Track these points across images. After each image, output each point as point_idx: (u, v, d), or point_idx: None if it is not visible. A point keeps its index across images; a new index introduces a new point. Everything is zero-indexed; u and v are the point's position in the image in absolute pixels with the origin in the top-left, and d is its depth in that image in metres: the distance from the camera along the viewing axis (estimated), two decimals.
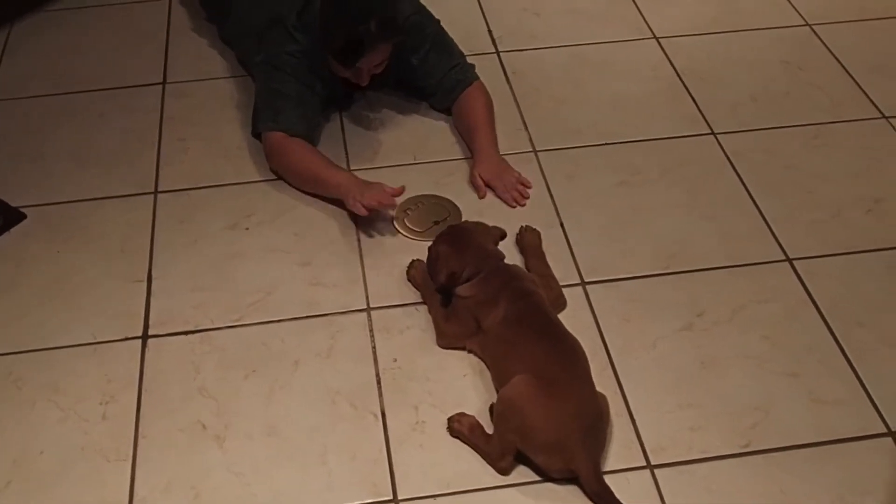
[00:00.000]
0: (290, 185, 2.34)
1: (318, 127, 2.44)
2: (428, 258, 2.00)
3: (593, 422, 1.73)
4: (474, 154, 2.38)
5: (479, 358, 1.94)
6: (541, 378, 1.72)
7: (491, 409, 1.81)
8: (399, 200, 2.27)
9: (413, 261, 2.10)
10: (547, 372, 1.74)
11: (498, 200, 2.30)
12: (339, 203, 2.28)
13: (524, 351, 1.80)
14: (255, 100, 2.42)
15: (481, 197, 2.31)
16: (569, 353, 1.80)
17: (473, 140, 2.40)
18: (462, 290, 1.93)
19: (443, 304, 1.99)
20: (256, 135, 2.43)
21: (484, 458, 1.77)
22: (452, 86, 2.49)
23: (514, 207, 2.28)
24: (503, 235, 2.08)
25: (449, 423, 1.82)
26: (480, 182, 2.32)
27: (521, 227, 2.18)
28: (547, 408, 1.69)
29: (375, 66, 2.31)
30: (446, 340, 1.97)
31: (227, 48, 2.77)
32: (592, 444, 1.71)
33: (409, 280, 2.09)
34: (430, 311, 2.01)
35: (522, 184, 2.32)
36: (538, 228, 2.18)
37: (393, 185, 2.20)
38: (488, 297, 1.89)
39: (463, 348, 1.96)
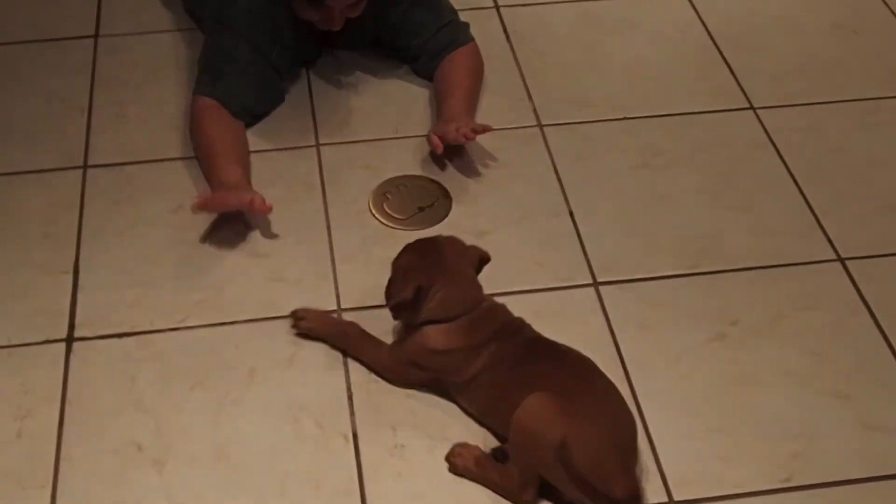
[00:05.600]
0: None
1: (267, 100, 2.43)
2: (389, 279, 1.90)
3: (629, 437, 1.75)
4: (438, 119, 2.37)
5: (462, 409, 1.88)
6: (560, 395, 1.70)
7: (494, 452, 1.79)
8: (377, 182, 2.28)
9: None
10: (565, 389, 1.72)
11: (493, 183, 2.29)
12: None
13: (530, 377, 1.75)
14: (199, 59, 2.41)
15: (439, 153, 2.28)
16: (581, 367, 1.79)
17: (441, 105, 2.38)
18: (437, 340, 1.83)
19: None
20: None
21: (501, 494, 1.74)
22: (440, 48, 2.48)
23: (463, 142, 2.26)
24: (484, 258, 1.92)
25: (449, 459, 1.79)
26: (435, 138, 2.27)
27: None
28: (575, 426, 1.66)
29: (348, 5, 2.28)
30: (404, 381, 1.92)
31: None
32: (632, 463, 1.72)
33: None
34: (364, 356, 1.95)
35: (475, 130, 2.27)
36: (543, 216, 2.19)
37: (371, 160, 2.17)
38: (474, 346, 1.82)
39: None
